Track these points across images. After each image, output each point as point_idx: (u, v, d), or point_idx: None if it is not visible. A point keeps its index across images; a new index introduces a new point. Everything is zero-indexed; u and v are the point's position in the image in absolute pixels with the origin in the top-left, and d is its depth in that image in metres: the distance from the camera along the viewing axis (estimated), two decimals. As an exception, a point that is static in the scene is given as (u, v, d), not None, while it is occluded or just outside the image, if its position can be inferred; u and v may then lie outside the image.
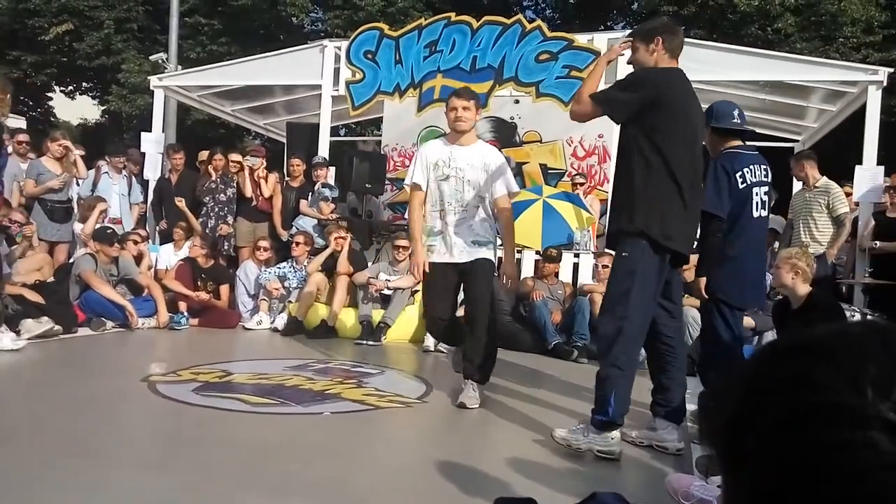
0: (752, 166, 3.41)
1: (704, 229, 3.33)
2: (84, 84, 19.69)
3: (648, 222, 2.89)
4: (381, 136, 10.20)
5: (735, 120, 3.50)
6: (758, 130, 8.67)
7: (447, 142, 4.04)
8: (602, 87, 3.30)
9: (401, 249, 6.35)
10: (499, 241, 4.15)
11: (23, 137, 7.14)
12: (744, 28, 13.27)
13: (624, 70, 6.85)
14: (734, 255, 3.42)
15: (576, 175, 8.17)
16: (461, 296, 4.19)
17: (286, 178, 7.69)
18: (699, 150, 3.11)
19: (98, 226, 6.46)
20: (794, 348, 0.52)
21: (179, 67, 10.74)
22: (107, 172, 7.56)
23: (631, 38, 3.16)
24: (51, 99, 20.65)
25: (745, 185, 3.37)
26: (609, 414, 2.92)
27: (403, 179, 7.86)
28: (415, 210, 3.97)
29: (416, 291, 6.36)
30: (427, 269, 3.86)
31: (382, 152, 9.35)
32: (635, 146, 2.93)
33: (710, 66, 6.82)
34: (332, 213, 7.18)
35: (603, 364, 2.99)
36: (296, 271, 6.61)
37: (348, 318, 6.25)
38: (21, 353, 4.53)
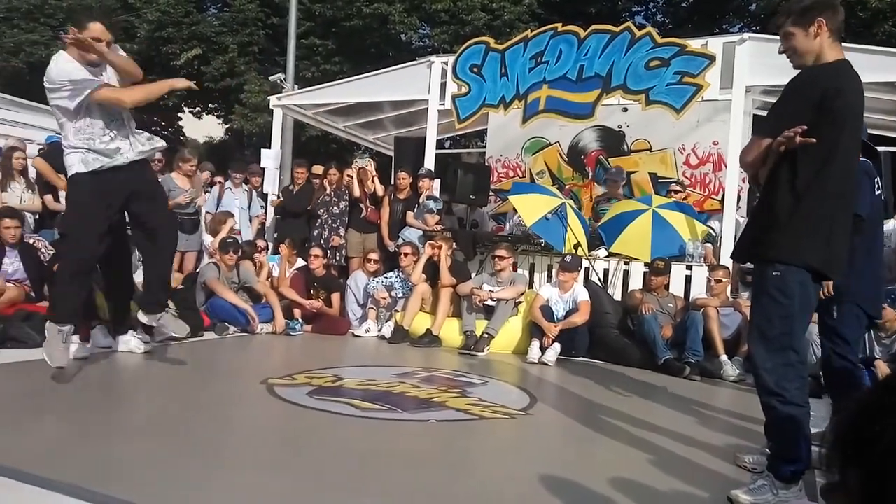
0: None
1: None
2: (210, 104, 21.14)
3: (815, 252, 2.50)
4: (485, 147, 10.29)
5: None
6: (892, 134, 8.10)
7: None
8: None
9: (497, 259, 6.36)
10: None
11: (157, 156, 7.74)
12: (876, 26, 12.35)
13: (744, 65, 6.65)
14: (872, 262, 3.38)
15: (681, 184, 7.79)
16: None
17: (393, 191, 7.90)
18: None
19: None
20: None
21: (296, 87, 11.27)
22: (229, 187, 8.12)
23: (780, 23, 2.61)
24: (180, 119, 22.31)
25: (879, 191, 3.35)
26: (803, 459, 2.54)
27: (508, 190, 8.00)
28: None
29: (520, 302, 6.35)
30: None
31: (487, 164, 9.43)
32: (801, 158, 2.46)
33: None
34: (437, 224, 7.31)
35: (778, 404, 2.53)
36: (402, 281, 6.77)
37: (452, 329, 6.32)
38: (152, 355, 4.87)
